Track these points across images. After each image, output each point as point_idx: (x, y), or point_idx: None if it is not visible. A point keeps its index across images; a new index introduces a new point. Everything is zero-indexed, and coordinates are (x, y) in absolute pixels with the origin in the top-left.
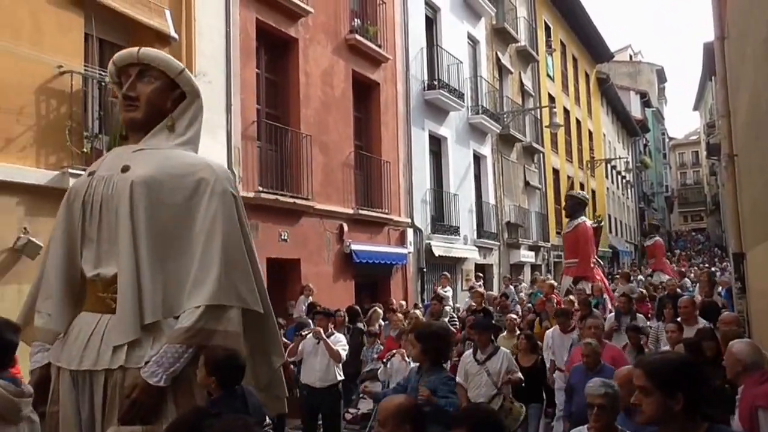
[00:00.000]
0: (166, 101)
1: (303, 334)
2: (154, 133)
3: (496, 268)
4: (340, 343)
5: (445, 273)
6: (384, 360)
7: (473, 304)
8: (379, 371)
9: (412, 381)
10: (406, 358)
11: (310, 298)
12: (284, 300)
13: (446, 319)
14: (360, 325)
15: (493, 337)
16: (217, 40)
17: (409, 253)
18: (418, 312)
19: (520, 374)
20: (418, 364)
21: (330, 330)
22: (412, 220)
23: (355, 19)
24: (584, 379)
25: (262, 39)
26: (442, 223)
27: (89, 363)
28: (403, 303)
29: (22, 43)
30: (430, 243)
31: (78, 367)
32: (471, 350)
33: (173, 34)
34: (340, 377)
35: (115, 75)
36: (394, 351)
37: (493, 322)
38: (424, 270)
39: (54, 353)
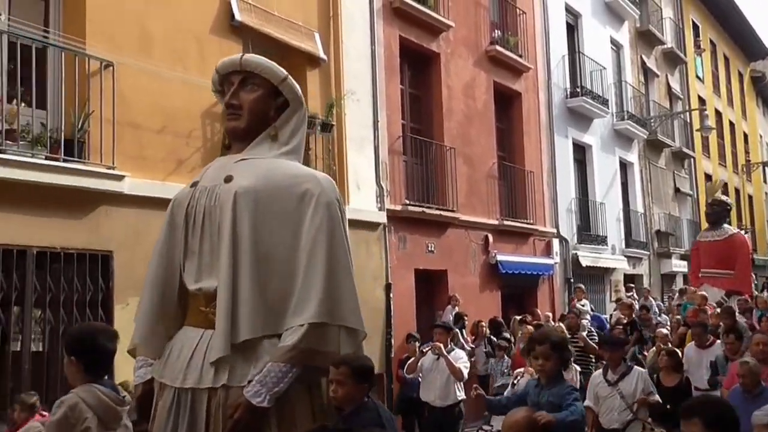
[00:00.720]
0: (269, 110)
1: (423, 350)
2: (257, 143)
3: (647, 278)
4: (461, 359)
5: (580, 285)
6: (513, 381)
7: (621, 316)
8: (505, 394)
9: (531, 394)
10: (535, 378)
11: (457, 308)
12: (432, 310)
13: (584, 334)
14: (506, 335)
15: (645, 353)
16: (363, 59)
17: (556, 263)
18: (563, 325)
19: (657, 396)
20: (537, 376)
21: (450, 345)
22: (558, 230)
23: (496, 31)
24: (743, 404)
25: (405, 55)
26: (588, 233)
27: (192, 381)
28: (549, 314)
29: (190, 72)
30: (576, 253)
31: (182, 385)
32: (601, 370)
33: (322, 56)
34: (461, 396)
35: (217, 83)
36: (522, 370)
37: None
38: (571, 281)
39: (157, 368)
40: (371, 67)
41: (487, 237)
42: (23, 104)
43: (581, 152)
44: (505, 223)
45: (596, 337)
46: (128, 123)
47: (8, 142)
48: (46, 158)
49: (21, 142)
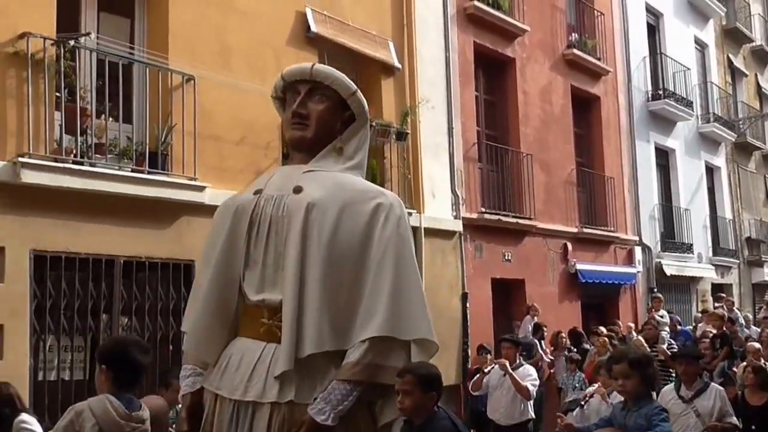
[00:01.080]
0: (336, 122)
1: (485, 371)
2: (323, 155)
3: (736, 288)
4: (530, 377)
5: (658, 294)
6: (582, 402)
7: (709, 329)
8: (573, 414)
9: (618, 417)
10: (607, 399)
11: (536, 318)
12: (509, 320)
13: (664, 346)
14: (586, 345)
15: (735, 368)
16: (437, 66)
17: (638, 272)
18: (641, 338)
19: (734, 419)
20: (622, 399)
21: (519, 360)
22: (640, 237)
23: (573, 34)
24: None
25: (480, 61)
26: (672, 241)
27: (254, 394)
28: (632, 325)
29: (268, 84)
30: (660, 261)
31: (242, 398)
32: (672, 385)
33: (397, 64)
34: (530, 415)
35: (279, 90)
36: (593, 390)
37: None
38: (655, 290)
39: (211, 379)
40: (446, 74)
41: (565, 245)
42: (111, 119)
43: (664, 157)
44: (585, 230)
45: (677, 350)
46: (209, 135)
47: (97, 155)
48: (132, 171)
49: (109, 156)
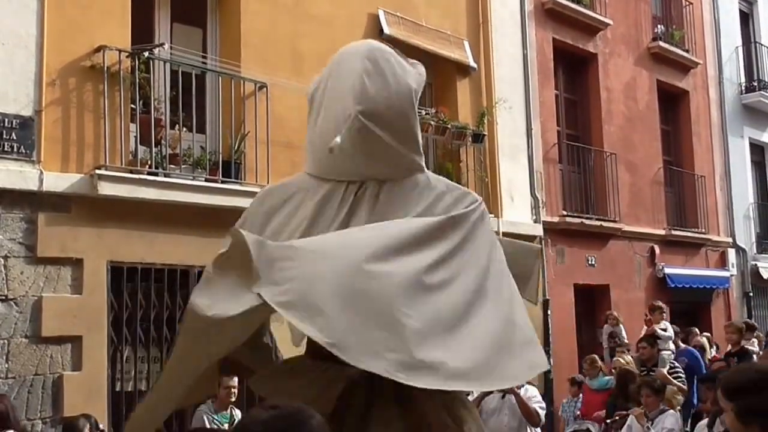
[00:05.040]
0: None
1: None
2: None
3: None
4: (535, 398)
5: (658, 302)
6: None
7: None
8: None
9: None
10: (644, 422)
11: (621, 326)
12: (593, 328)
13: (665, 370)
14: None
15: None
16: (514, 64)
17: (732, 276)
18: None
19: None
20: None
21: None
22: (734, 239)
23: (658, 25)
24: None
25: (559, 58)
26: None
27: None
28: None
29: None
30: (756, 264)
31: None
32: (705, 421)
33: (473, 64)
34: None
35: None
36: (629, 411)
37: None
38: (751, 295)
39: None
40: (523, 72)
41: (653, 248)
42: (184, 129)
43: (760, 153)
44: (674, 233)
45: (681, 374)
46: (282, 142)
47: (171, 166)
48: (206, 180)
49: (183, 166)
